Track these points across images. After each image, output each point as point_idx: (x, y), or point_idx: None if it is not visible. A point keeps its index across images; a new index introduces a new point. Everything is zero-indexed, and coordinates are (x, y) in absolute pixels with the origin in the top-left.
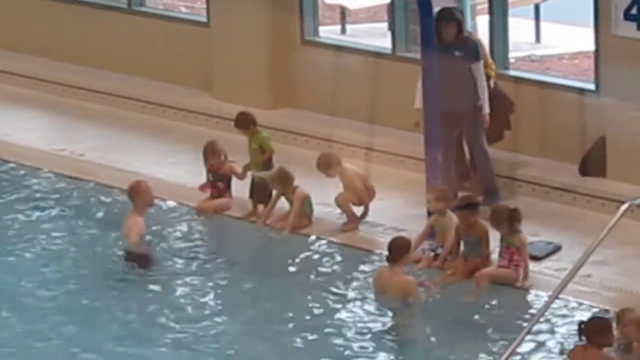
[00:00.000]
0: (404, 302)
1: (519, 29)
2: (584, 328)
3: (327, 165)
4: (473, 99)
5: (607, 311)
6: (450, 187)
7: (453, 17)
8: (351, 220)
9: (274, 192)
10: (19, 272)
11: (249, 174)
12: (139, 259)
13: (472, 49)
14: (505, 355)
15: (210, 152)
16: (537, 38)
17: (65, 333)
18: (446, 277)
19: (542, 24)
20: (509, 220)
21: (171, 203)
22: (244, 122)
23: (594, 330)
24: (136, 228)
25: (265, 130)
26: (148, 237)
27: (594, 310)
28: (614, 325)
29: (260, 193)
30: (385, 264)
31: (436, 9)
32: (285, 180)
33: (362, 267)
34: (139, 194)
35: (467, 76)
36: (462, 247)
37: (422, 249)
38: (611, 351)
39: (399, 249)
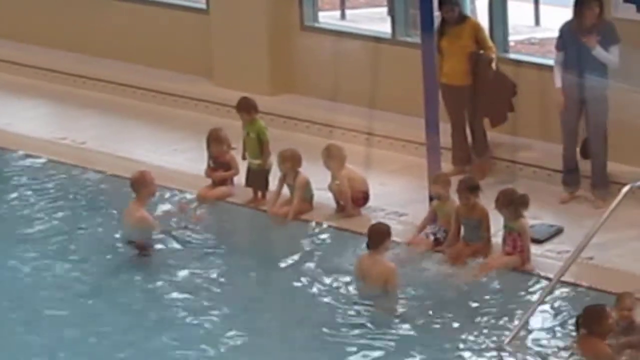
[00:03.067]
0: (384, 289)
1: (518, 12)
2: (581, 320)
3: (329, 156)
4: (601, 84)
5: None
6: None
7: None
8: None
9: (272, 178)
10: (20, 260)
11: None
12: (141, 248)
13: (608, 32)
14: (508, 339)
15: (214, 140)
16: (537, 21)
17: (66, 321)
18: (447, 261)
19: (542, 7)
20: (515, 205)
21: (172, 190)
22: (246, 106)
23: (591, 320)
24: (149, 220)
25: (266, 116)
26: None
27: (596, 292)
28: (614, 308)
29: (256, 180)
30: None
31: None
32: (295, 160)
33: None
34: (144, 185)
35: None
36: (462, 231)
37: (425, 233)
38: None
39: (378, 235)
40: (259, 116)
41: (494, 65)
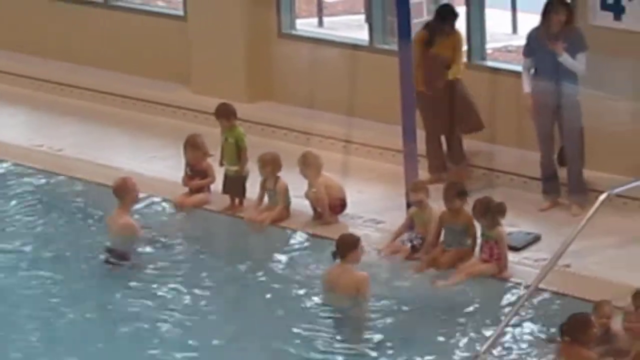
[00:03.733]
0: (355, 299)
1: (495, 19)
2: (565, 327)
3: (306, 164)
4: (572, 90)
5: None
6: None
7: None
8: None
9: (249, 185)
10: None
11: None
12: (120, 256)
13: (576, 39)
14: (485, 346)
15: (190, 146)
16: (514, 29)
17: (44, 330)
18: (423, 267)
19: (519, 15)
20: (492, 213)
21: (151, 197)
22: (226, 113)
23: (576, 328)
24: (135, 227)
25: (244, 123)
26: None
27: (573, 300)
28: (592, 315)
29: (233, 187)
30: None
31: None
32: (276, 164)
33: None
34: (126, 192)
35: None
36: (442, 237)
37: (401, 240)
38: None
39: (346, 246)
40: (238, 123)
41: (450, 75)
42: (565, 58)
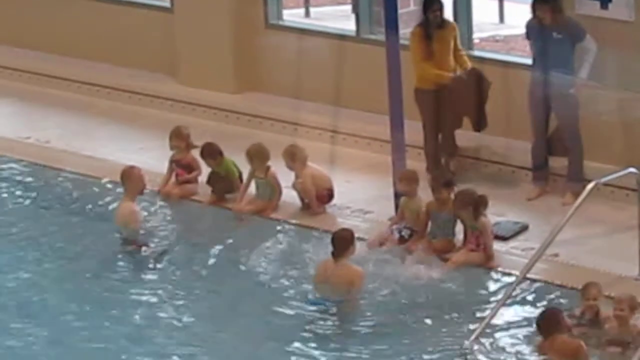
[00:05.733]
0: (347, 293)
1: (482, 9)
2: (540, 325)
3: (292, 157)
4: (567, 80)
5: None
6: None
7: None
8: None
9: (243, 175)
10: None
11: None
12: (135, 244)
13: (574, 30)
14: (473, 336)
15: (175, 135)
16: (501, 18)
17: (35, 326)
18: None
19: (506, 4)
20: (476, 206)
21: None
22: (210, 152)
23: (549, 323)
24: (136, 215)
25: (231, 114)
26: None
27: (561, 289)
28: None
29: (216, 183)
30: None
31: None
32: (262, 155)
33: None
34: (131, 180)
35: (566, 57)
36: (429, 227)
37: (390, 229)
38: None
39: (342, 242)
40: (227, 115)
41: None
42: (582, 73)
